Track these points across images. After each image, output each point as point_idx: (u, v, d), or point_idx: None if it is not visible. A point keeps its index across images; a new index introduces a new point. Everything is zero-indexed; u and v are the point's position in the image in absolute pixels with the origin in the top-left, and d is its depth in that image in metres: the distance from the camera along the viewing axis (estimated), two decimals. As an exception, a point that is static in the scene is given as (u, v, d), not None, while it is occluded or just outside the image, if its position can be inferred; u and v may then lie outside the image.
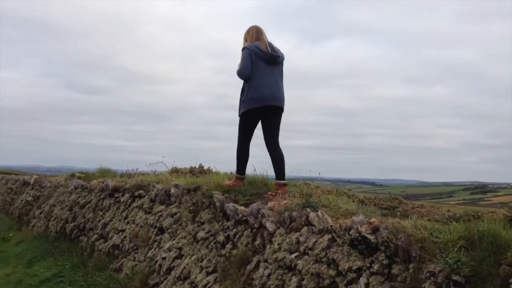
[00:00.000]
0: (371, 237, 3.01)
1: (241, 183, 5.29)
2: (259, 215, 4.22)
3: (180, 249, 5.14)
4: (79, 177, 10.12)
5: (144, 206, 6.52)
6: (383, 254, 2.92)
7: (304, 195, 4.65)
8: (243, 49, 5.30)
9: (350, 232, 3.17)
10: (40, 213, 10.36)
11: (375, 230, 3.04)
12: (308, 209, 3.91)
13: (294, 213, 3.92)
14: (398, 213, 4.29)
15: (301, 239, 3.62)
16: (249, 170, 5.53)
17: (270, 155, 5.13)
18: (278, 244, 3.79)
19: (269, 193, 4.90)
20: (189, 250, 4.98)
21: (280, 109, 5.20)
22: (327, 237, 3.41)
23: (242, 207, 4.53)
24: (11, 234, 10.86)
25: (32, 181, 13.20)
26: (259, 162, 5.75)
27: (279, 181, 5.03)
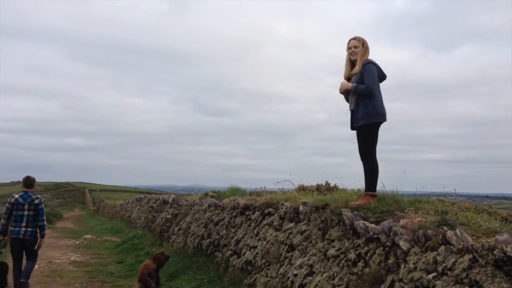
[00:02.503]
0: (519, 258, 2.79)
1: (371, 200, 5.22)
2: (391, 233, 4.12)
3: (311, 266, 5.20)
4: (212, 196, 10.72)
5: (274, 223, 6.71)
6: (534, 277, 2.69)
7: (439, 213, 4.44)
8: (369, 63, 5.31)
9: (494, 252, 2.97)
10: (179, 229, 11.16)
11: (523, 250, 2.81)
12: (445, 227, 3.73)
13: (429, 231, 3.77)
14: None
15: (439, 258, 3.46)
16: (378, 186, 5.44)
17: (369, 167, 5.35)
18: (414, 264, 3.67)
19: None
20: (320, 267, 5.02)
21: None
22: (467, 257, 3.23)
23: (372, 225, 4.46)
24: (154, 249, 11.84)
25: (170, 200, 14.30)
26: (387, 178, 5.63)
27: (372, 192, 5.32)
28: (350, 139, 5.62)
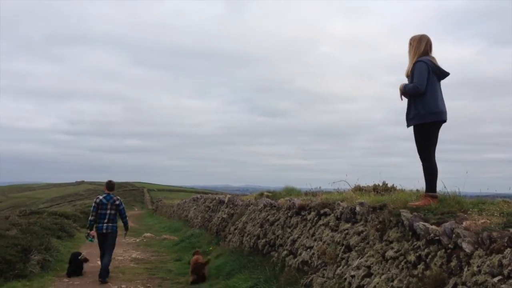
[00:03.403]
0: None
1: (431, 201, 5.08)
2: (453, 235, 3.99)
3: (369, 267, 5.13)
4: (267, 196, 10.78)
5: (330, 224, 6.67)
6: None
7: (505, 214, 4.26)
8: (419, 61, 5.24)
9: None
10: (235, 229, 11.31)
11: None
12: (511, 229, 3.58)
13: (494, 233, 3.62)
14: None
15: (504, 261, 3.33)
16: (438, 187, 5.30)
17: (427, 167, 5.23)
18: (478, 267, 3.54)
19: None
20: (379, 269, 4.94)
21: (442, 124, 5.31)
22: (536, 260, 3.08)
23: (433, 226, 4.34)
24: (211, 248, 12.07)
25: (226, 200, 14.51)
26: (449, 178, 5.46)
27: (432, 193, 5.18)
28: (408, 138, 5.50)
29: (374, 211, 5.61)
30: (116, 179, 10.82)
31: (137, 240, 16.86)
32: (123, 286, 8.53)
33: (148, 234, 18.41)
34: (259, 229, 9.34)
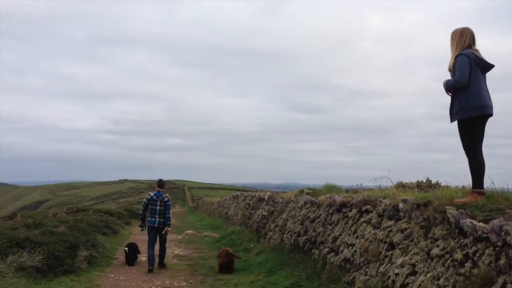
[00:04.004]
0: None
1: (478, 198, 4.93)
2: (502, 232, 3.86)
3: (413, 265, 5.04)
4: (307, 193, 10.73)
5: (372, 221, 6.58)
6: None
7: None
8: (460, 54, 5.13)
9: None
10: (275, 226, 11.32)
11: None
12: None
13: (547, 231, 3.48)
14: None
15: (559, 260, 3.19)
16: (486, 183, 5.14)
17: (473, 163, 5.10)
18: (529, 265, 3.42)
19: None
20: (424, 267, 4.84)
21: (488, 118, 5.19)
22: None
23: (481, 224, 4.21)
24: (251, 245, 12.14)
25: (266, 197, 14.54)
26: (497, 174, 5.29)
27: (479, 189, 5.03)
28: (453, 133, 5.35)
29: (418, 208, 5.49)
30: (158, 177, 11.20)
31: (179, 237, 17.14)
32: (166, 281, 8.69)
33: (190, 231, 18.68)
34: (300, 226, 9.32)
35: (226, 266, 9.66)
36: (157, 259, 10.32)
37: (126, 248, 10.96)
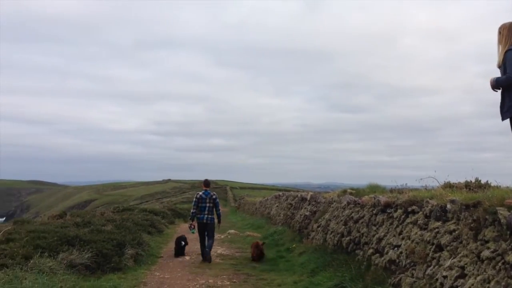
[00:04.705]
0: None
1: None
2: (559, 235, 3.69)
3: (462, 268, 4.89)
4: (350, 193, 10.60)
5: (418, 222, 6.42)
6: None
7: None
8: (508, 50, 4.92)
9: None
10: (318, 226, 11.25)
11: None
12: None
13: None
14: None
15: None
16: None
17: None
18: None
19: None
20: (473, 269, 4.69)
21: None
22: None
23: (535, 225, 4.04)
24: (294, 245, 12.11)
25: (308, 197, 14.45)
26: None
27: None
28: (504, 132, 5.15)
29: (467, 209, 5.32)
30: (200, 177, 11.70)
31: (222, 236, 17.30)
32: (210, 280, 8.79)
33: (232, 231, 18.82)
34: (343, 226, 9.23)
35: (256, 257, 11.25)
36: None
37: (181, 241, 12.24)
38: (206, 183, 11.84)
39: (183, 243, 12.29)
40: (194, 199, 11.52)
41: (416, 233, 6.32)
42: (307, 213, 13.36)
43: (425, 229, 6.18)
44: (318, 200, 13.08)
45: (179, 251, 12.10)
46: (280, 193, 22.67)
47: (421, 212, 6.48)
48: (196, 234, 11.65)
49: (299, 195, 16.49)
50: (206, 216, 11.39)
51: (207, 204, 11.44)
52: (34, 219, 23.92)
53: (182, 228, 20.98)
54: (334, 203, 11.00)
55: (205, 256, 11.18)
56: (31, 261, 7.64)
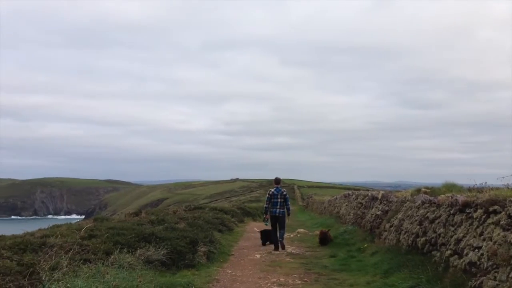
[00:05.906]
0: None
1: None
2: None
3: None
4: (425, 192, 10.23)
5: (501, 222, 6.07)
6: None
7: None
8: None
9: None
10: (390, 226, 10.95)
11: None
12: None
13: None
14: None
15: None
16: None
17: None
18: None
19: None
20: None
21: None
22: None
23: None
24: (365, 245, 11.88)
25: (379, 196, 14.11)
26: None
27: None
28: None
29: (557, 209, 4.97)
30: (268, 176, 12.04)
31: (291, 235, 17.30)
32: (281, 279, 8.83)
33: (301, 230, 18.78)
34: (418, 226, 8.92)
35: (321, 241, 13.81)
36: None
37: (267, 228, 13.87)
38: (277, 180, 13.45)
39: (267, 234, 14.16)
40: (267, 195, 13.22)
41: (498, 234, 5.98)
42: (379, 213, 13.05)
43: (508, 230, 5.84)
44: (390, 199, 12.72)
45: (265, 241, 14.16)
46: (349, 192, 22.32)
47: (504, 212, 6.12)
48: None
49: (369, 194, 16.15)
50: (278, 210, 13.07)
51: (279, 200, 13.07)
52: (112, 217, 25.15)
53: (252, 226, 21.21)
54: (408, 202, 10.65)
55: (279, 244, 12.88)
56: (112, 257, 8.02)
